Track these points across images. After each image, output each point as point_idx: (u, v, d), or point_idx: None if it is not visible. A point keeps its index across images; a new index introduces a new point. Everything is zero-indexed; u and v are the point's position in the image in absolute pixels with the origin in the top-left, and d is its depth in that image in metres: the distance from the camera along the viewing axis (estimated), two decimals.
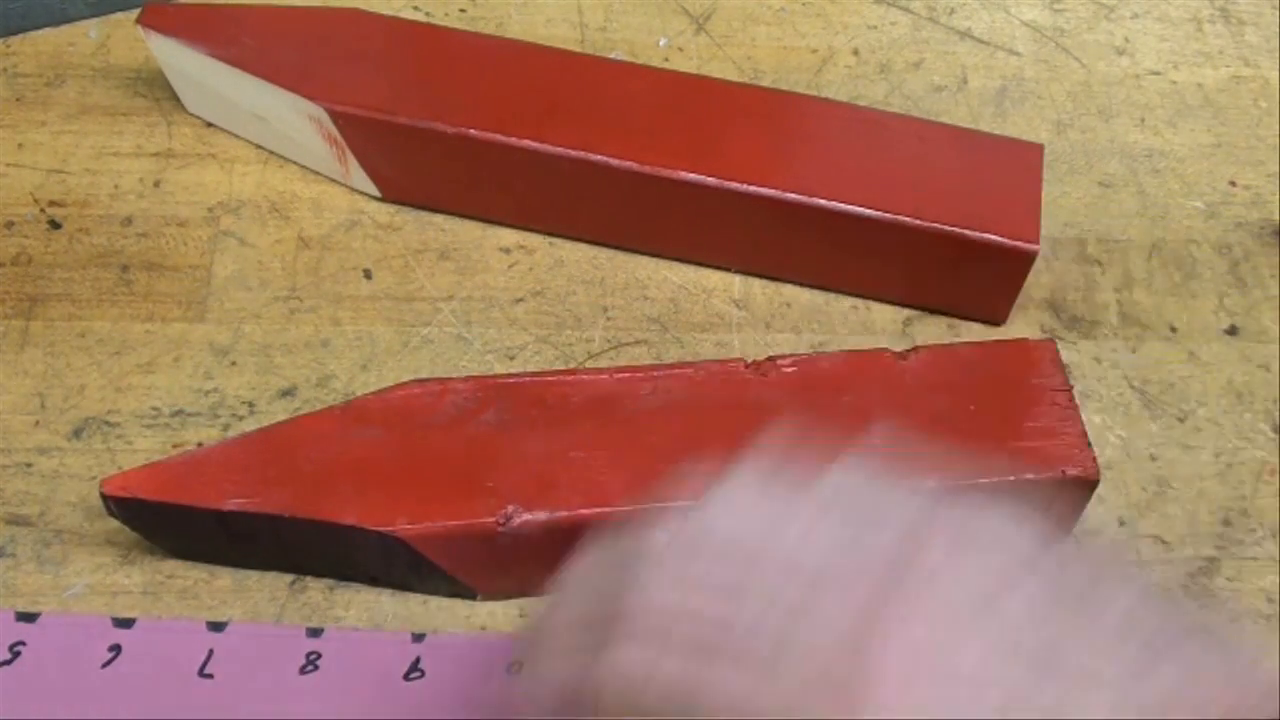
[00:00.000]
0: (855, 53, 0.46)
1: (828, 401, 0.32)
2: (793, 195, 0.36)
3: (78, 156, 0.41)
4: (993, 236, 0.36)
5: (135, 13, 0.40)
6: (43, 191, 0.40)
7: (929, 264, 0.37)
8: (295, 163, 0.41)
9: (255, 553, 0.32)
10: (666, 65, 0.45)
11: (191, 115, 0.43)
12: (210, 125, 0.42)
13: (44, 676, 0.30)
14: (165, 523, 0.31)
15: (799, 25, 0.47)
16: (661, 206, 0.38)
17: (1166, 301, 0.40)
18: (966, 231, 0.36)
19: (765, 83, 0.45)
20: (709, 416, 0.32)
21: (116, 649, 0.30)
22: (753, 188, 0.36)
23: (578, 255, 0.40)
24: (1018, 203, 0.36)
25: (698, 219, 0.38)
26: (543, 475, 0.30)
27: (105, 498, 0.30)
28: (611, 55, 0.45)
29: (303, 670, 0.30)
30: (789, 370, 0.33)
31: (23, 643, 0.30)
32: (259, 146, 0.42)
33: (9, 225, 0.39)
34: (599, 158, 0.36)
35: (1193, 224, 0.42)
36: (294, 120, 0.39)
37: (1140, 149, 0.44)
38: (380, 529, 0.29)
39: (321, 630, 0.31)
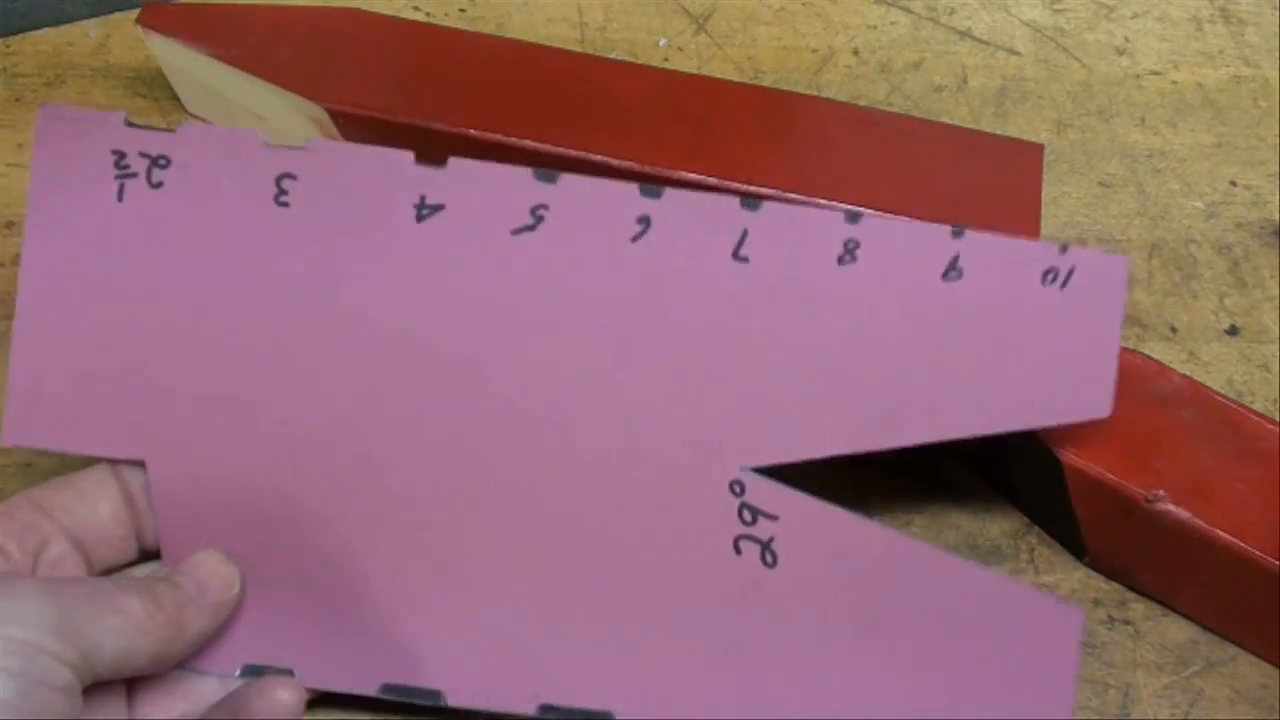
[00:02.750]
0: (855, 53, 0.46)
1: None
2: (793, 195, 0.36)
3: None
4: None
5: (135, 13, 0.40)
6: None
7: None
8: None
9: None
10: (666, 65, 0.45)
11: (191, 115, 0.43)
12: (210, 125, 0.42)
13: (569, 245, 0.30)
14: None
15: (799, 25, 0.47)
16: None
17: (1166, 301, 0.40)
18: None
19: (765, 83, 0.45)
20: None
21: (645, 221, 0.30)
22: (753, 188, 0.36)
23: None
24: (1018, 203, 0.36)
25: None
26: (1202, 486, 0.31)
27: None
28: (611, 55, 0.45)
29: (840, 260, 0.30)
30: None
31: (545, 206, 0.30)
32: None
33: (9, 225, 0.39)
34: (599, 158, 0.36)
35: (1193, 224, 0.42)
36: (294, 120, 0.39)
37: (1140, 149, 0.44)
38: (1048, 442, 0.32)
39: (858, 217, 0.30)
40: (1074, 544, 0.34)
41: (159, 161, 0.30)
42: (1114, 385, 0.30)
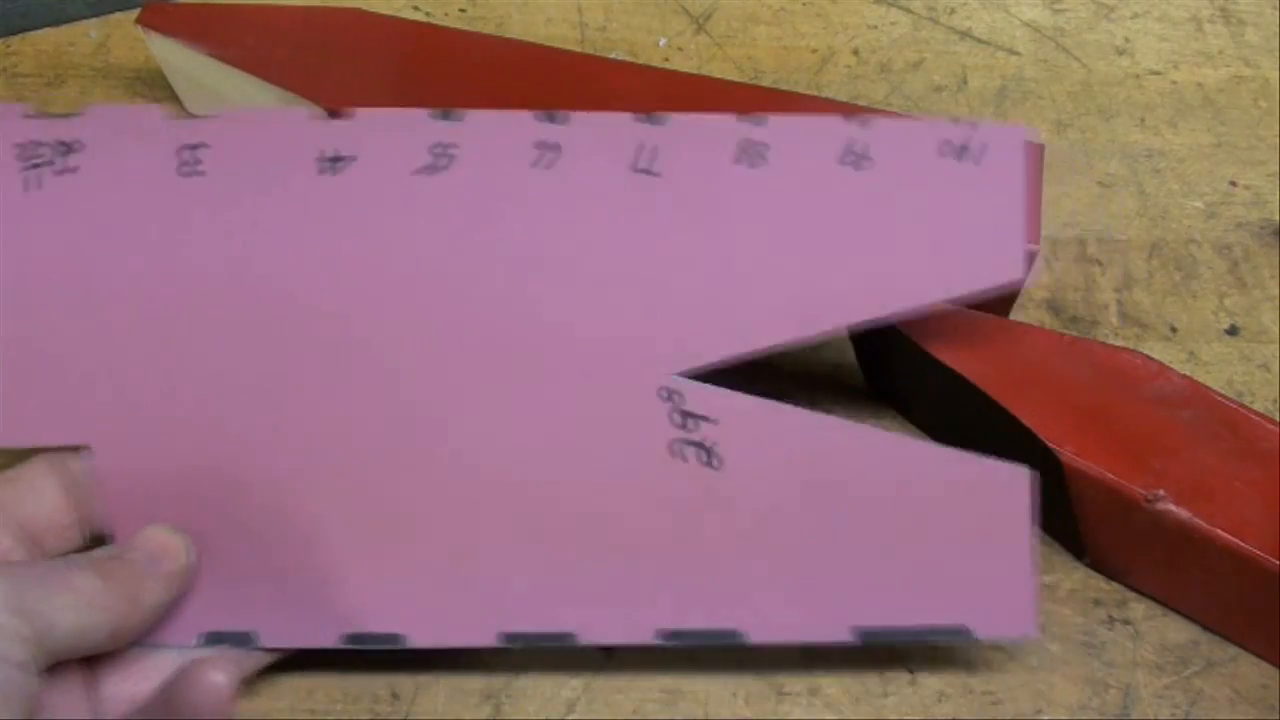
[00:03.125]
0: (855, 53, 0.46)
1: None
2: None
3: None
4: None
5: (135, 13, 0.40)
6: None
7: None
8: None
9: (925, 405, 0.36)
10: (666, 65, 0.45)
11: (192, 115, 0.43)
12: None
13: (476, 178, 0.30)
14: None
15: (799, 25, 0.47)
16: None
17: (1166, 301, 0.40)
18: None
19: (765, 83, 0.45)
20: None
21: (551, 147, 0.30)
22: None
23: None
24: None
25: None
26: (1203, 487, 0.31)
27: None
28: (611, 55, 0.45)
29: (747, 161, 0.31)
30: None
31: (450, 144, 0.30)
32: None
33: None
34: None
35: (1193, 224, 0.42)
36: None
37: (1140, 149, 0.44)
38: (1049, 442, 0.32)
39: (763, 119, 0.31)
40: (1074, 544, 0.34)
41: (68, 147, 0.30)
42: (1023, 251, 0.31)
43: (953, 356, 0.33)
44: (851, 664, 0.32)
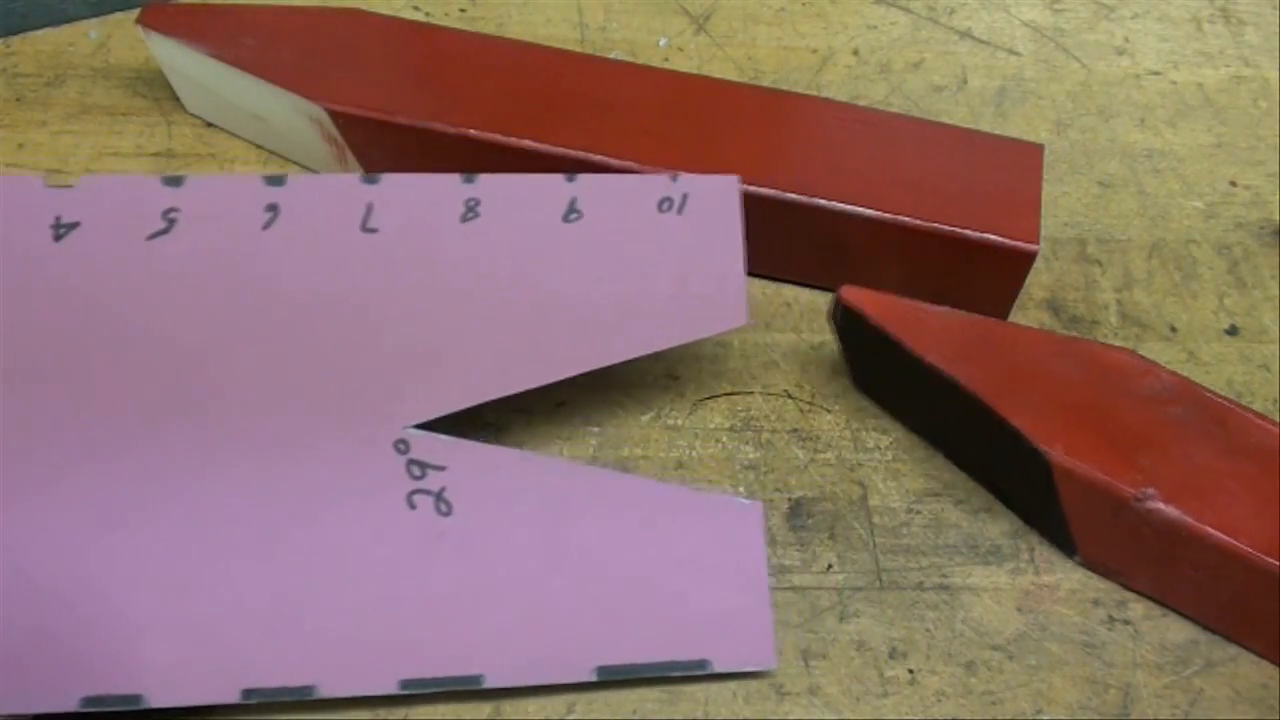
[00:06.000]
0: (855, 53, 0.46)
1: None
2: (793, 195, 0.36)
3: (77, 157, 0.41)
4: (993, 236, 0.36)
5: (135, 13, 0.40)
6: None
7: (929, 264, 0.37)
8: (295, 163, 0.41)
9: (913, 406, 0.36)
10: (666, 65, 0.45)
11: (191, 115, 0.43)
12: (210, 125, 0.42)
13: (203, 242, 0.31)
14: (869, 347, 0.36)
15: (799, 25, 0.47)
16: None
17: (1166, 301, 0.40)
18: (966, 231, 0.36)
19: (765, 83, 0.45)
20: None
21: (274, 209, 0.31)
22: (753, 188, 0.36)
23: None
24: (1018, 203, 0.36)
25: None
26: (1193, 482, 0.31)
27: (838, 302, 0.34)
28: (611, 55, 0.45)
29: (464, 219, 0.32)
30: None
31: (176, 209, 0.31)
32: (259, 146, 0.42)
33: None
34: (599, 158, 0.36)
35: (1193, 224, 0.42)
36: (294, 120, 0.39)
37: (1140, 149, 0.44)
38: (1037, 442, 0.32)
39: (474, 178, 0.32)
40: (1065, 543, 0.34)
41: None
42: (744, 295, 0.33)
43: (940, 357, 0.33)
44: (851, 664, 0.32)
